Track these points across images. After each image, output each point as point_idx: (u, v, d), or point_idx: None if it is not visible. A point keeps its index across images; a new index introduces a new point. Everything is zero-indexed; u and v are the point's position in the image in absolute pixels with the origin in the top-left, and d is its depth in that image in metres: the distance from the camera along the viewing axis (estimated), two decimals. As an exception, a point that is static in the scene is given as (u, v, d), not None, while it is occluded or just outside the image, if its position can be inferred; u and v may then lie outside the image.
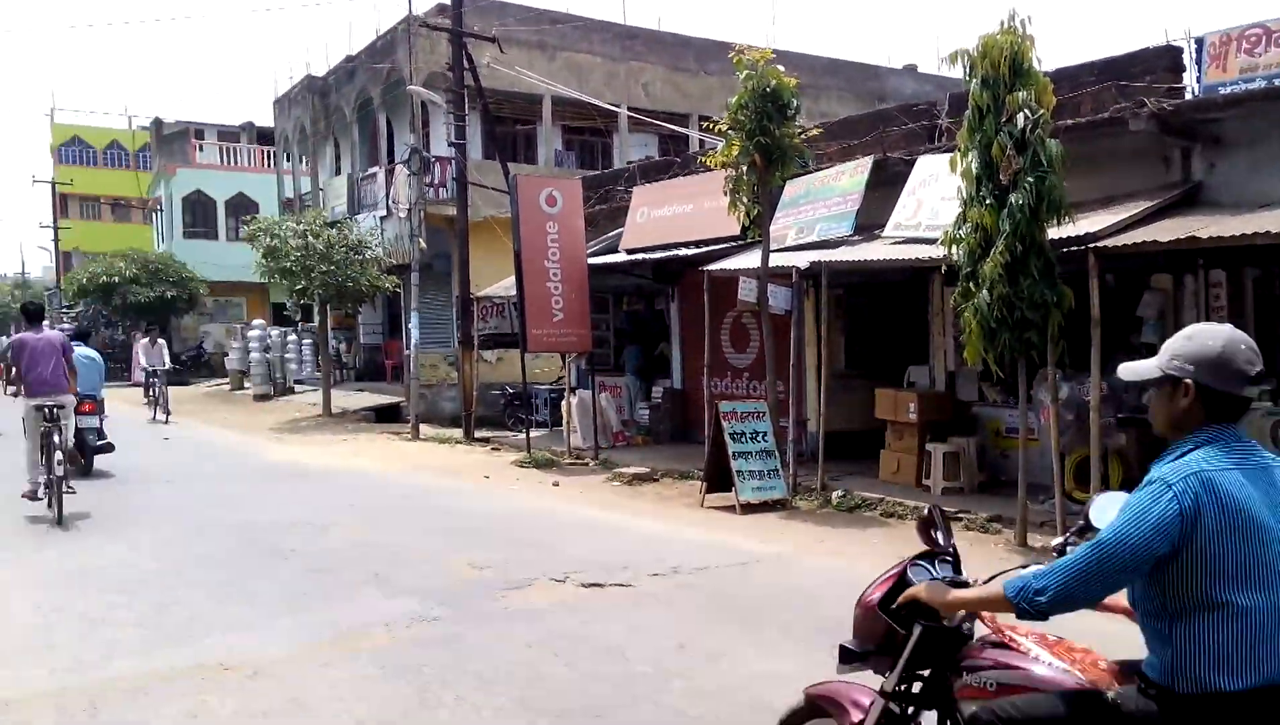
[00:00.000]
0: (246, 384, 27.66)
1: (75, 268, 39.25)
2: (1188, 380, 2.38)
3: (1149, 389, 2.52)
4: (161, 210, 40.95)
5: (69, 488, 10.01)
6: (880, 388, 12.01)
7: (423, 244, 18.64)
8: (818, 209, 12.05)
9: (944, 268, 9.24)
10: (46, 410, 9.99)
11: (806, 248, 11.69)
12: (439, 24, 18.32)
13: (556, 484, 12.76)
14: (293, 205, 29.14)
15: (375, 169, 23.96)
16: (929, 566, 2.89)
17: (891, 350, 13.05)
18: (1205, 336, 2.41)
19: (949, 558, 2.92)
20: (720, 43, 25.37)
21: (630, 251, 15.21)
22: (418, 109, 21.06)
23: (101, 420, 13.18)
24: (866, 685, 3.00)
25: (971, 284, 8.42)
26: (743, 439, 10.91)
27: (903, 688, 2.86)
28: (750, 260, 11.87)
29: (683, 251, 13.72)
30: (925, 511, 3.04)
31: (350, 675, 5.46)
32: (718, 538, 9.26)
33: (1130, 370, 2.52)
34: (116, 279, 31.82)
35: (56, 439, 9.86)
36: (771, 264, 11.27)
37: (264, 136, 40.16)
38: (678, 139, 23.80)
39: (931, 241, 9.59)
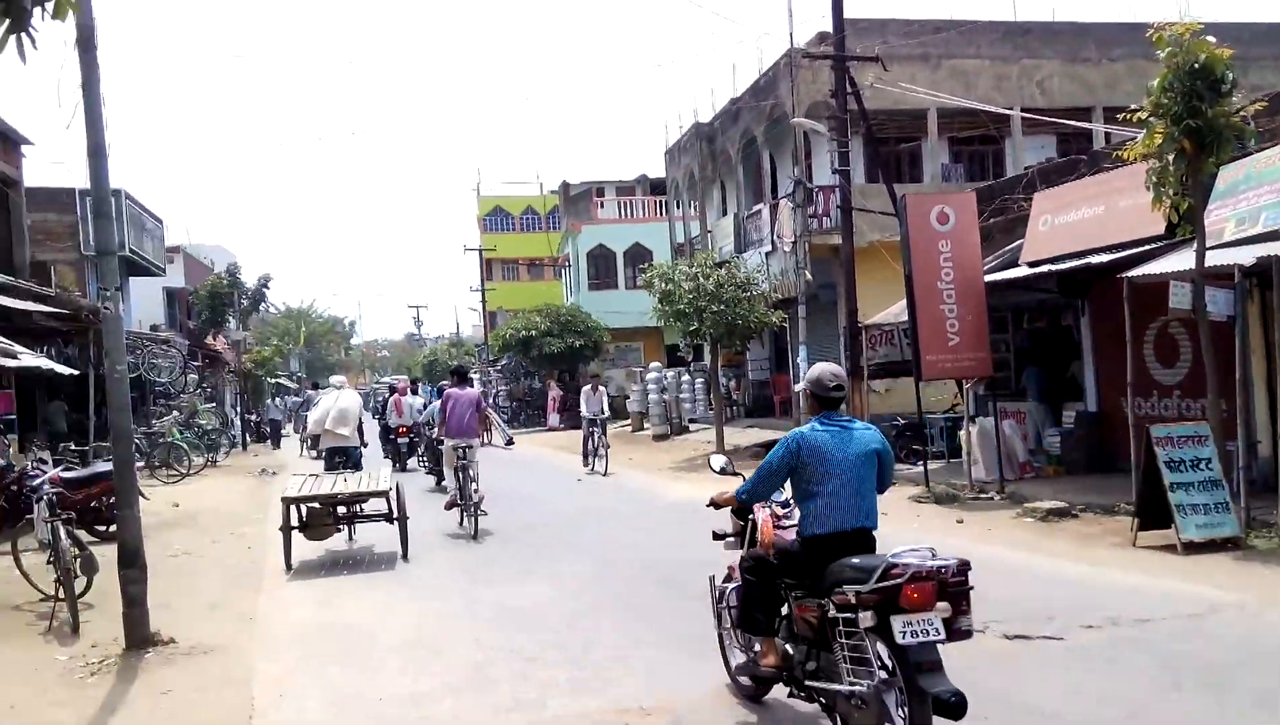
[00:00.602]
0: (646, 425, 29.04)
1: (499, 325, 43.68)
2: (807, 389, 5.21)
3: None
4: (570, 266, 44.57)
5: (483, 511, 12.21)
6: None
7: (808, 275, 18.52)
8: (1263, 195, 10.32)
9: None
10: (460, 449, 12.49)
11: (1250, 242, 10.04)
12: (820, 52, 18.24)
13: (960, 521, 11.90)
14: (684, 250, 30.36)
15: (760, 206, 24.31)
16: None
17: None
18: (813, 369, 5.24)
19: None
20: (1125, 25, 22.90)
21: (1032, 264, 14.00)
22: (800, 141, 21.09)
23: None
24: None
25: None
26: (1181, 468, 9.51)
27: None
28: (1180, 261, 10.40)
29: (1096, 258, 12.36)
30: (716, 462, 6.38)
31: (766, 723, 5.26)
32: (1158, 583, 8.08)
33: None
34: (533, 332, 34.88)
35: (471, 472, 12.32)
36: (1208, 263, 9.80)
37: (656, 187, 42.50)
38: (1080, 136, 21.80)
39: None
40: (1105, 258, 12.10)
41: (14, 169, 25.27)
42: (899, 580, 4.28)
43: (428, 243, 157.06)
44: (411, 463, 20.91)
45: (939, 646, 4.32)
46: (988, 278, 13.93)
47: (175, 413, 25.19)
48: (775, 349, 27.11)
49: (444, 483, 14.47)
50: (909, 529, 11.57)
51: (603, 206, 43.76)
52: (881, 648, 4.37)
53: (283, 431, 33.02)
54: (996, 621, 6.91)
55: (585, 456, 19.69)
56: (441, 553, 11.23)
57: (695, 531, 11.70)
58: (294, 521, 10.69)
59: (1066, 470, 14.40)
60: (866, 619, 4.33)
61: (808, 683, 4.93)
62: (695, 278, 20.95)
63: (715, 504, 5.73)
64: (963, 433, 14.74)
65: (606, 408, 20.16)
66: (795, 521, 5.14)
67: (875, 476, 5.03)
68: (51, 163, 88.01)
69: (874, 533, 4.96)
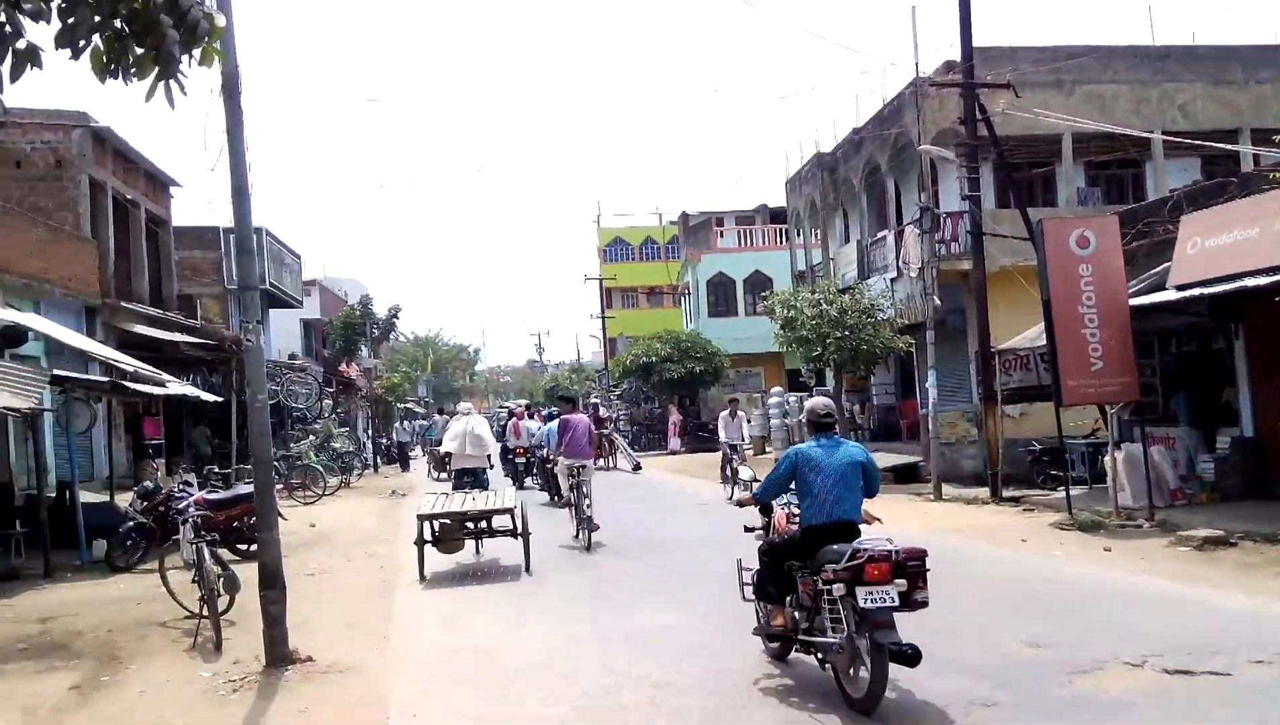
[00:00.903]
0: (768, 448, 28.86)
1: (619, 351, 44.02)
2: (806, 418, 7.01)
3: None
4: (689, 294, 44.67)
5: (595, 525, 13.13)
6: None
7: (937, 300, 18.01)
8: None
9: None
10: (575, 469, 13.61)
11: None
12: (949, 80, 17.84)
13: (1108, 549, 11.33)
14: (805, 277, 30.05)
15: (884, 232, 23.87)
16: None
17: None
18: (809, 402, 7.01)
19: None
20: (1272, 47, 22.42)
21: (1181, 287, 13.28)
22: (926, 168, 20.63)
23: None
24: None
25: None
26: (1355, 500, 8.83)
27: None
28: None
29: (1252, 281, 11.64)
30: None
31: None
32: (1334, 619, 7.47)
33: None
34: (653, 358, 35.01)
35: (585, 489, 13.36)
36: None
37: (776, 216, 42.28)
38: (1226, 159, 20.83)
39: None
40: (1263, 281, 11.39)
41: (163, 209, 26.75)
42: (862, 561, 5.81)
43: (549, 272, 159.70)
44: (528, 482, 21.69)
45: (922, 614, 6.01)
46: (1133, 302, 13.30)
47: (311, 437, 26.09)
48: (901, 374, 26.50)
49: (557, 498, 16.32)
50: (1051, 557, 11.07)
51: (722, 236, 43.76)
52: (850, 611, 5.88)
53: (410, 454, 33.87)
54: (1154, 655, 6.52)
55: (725, 482, 19.02)
56: (561, 569, 11.68)
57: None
58: (428, 536, 11.39)
59: (1221, 497, 13.63)
60: (838, 589, 5.94)
61: (803, 638, 6.47)
62: (819, 304, 20.69)
63: (740, 504, 8.14)
64: (1106, 458, 14.15)
65: (746, 434, 19.66)
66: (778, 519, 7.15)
67: (860, 482, 6.48)
68: (203, 203, 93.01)
69: (858, 524, 6.41)
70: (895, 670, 5.76)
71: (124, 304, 22.01)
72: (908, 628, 7.60)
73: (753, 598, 7.29)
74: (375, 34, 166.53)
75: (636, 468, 24.60)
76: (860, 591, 5.74)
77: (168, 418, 23.40)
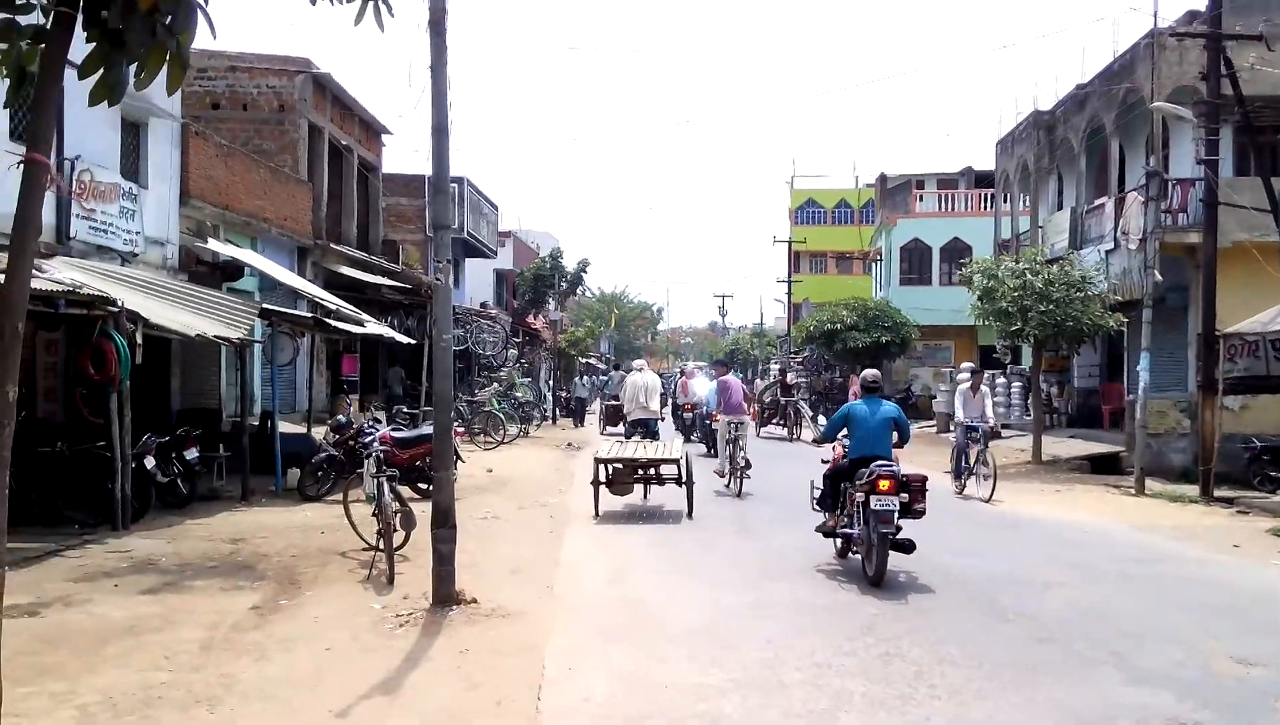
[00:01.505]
0: (952, 427, 27.53)
1: (804, 317, 43.14)
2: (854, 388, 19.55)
3: None
4: (881, 260, 43.19)
5: (748, 475, 14.64)
6: None
7: (1158, 276, 16.52)
8: None
9: None
10: (732, 425, 15.19)
11: None
12: (1193, 31, 16.20)
13: (1337, 564, 10.12)
14: (1009, 246, 28.39)
15: (1103, 199, 22.15)
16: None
17: None
18: (863, 373, 10.76)
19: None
20: None
21: None
22: (1157, 129, 18.93)
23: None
24: None
25: None
26: None
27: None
28: None
29: None
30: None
31: None
32: None
33: None
34: (838, 326, 34.02)
35: (741, 443, 14.96)
36: None
37: (981, 180, 40.12)
38: None
39: None
40: None
41: (375, 156, 27.91)
42: (873, 478, 8.47)
43: (738, 233, 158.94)
44: (693, 437, 22.23)
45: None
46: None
47: (495, 384, 26.80)
48: (1108, 355, 24.70)
49: (714, 451, 17.82)
50: (1269, 566, 9.99)
51: (921, 200, 41.89)
52: (866, 511, 8.50)
53: (589, 410, 34.34)
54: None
55: (957, 473, 15.76)
56: (718, 513, 12.92)
57: (1010, 544, 10.77)
58: (603, 478, 12.44)
59: None
60: (859, 497, 8.67)
61: (841, 530, 9.23)
62: (1023, 274, 19.42)
63: (817, 442, 12.37)
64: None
65: (991, 414, 15.61)
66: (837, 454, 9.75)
67: (891, 432, 9.29)
68: (411, 150, 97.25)
69: (888, 459, 8.88)
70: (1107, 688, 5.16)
71: (333, 246, 23.13)
72: (1099, 630, 6.98)
73: (817, 508, 9.94)
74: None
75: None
76: (873, 499, 8.42)
77: (366, 357, 24.58)
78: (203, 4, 4.03)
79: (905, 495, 8.56)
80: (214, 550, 9.64)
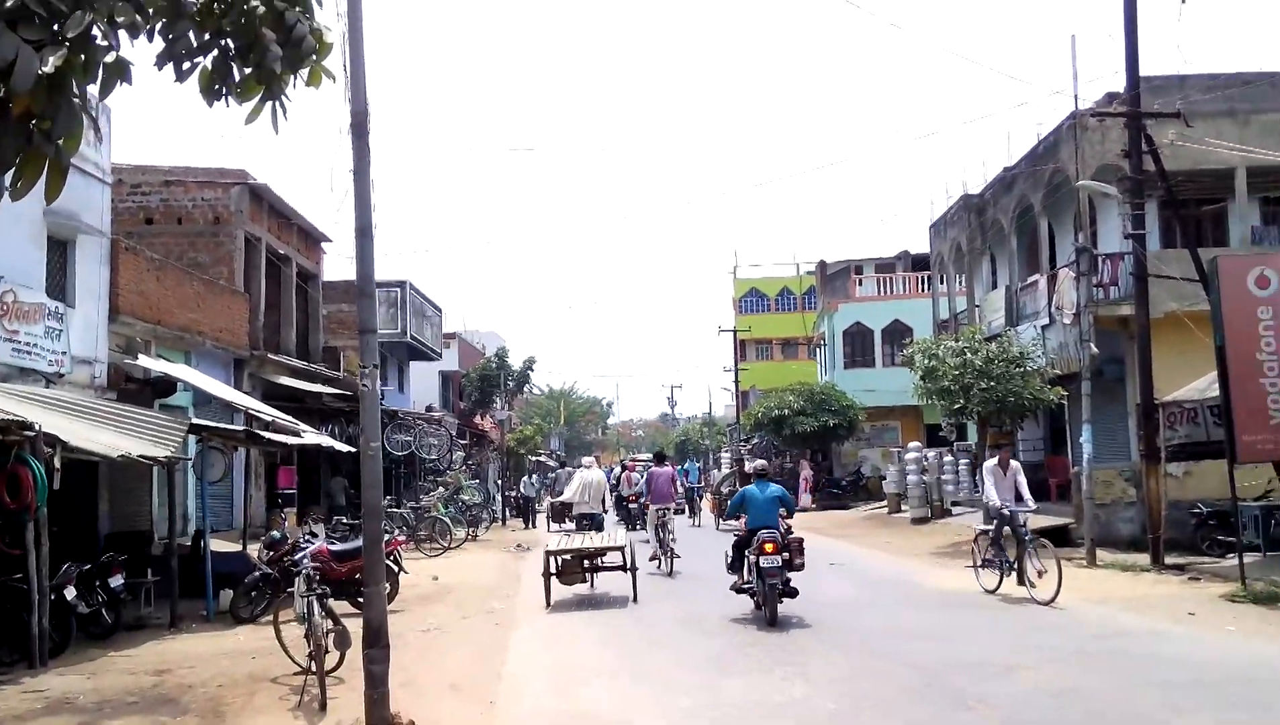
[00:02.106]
0: (904, 507, 27.59)
1: (752, 404, 43.23)
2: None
3: None
4: (824, 344, 43.63)
5: (677, 554, 16.66)
6: None
7: (1094, 349, 16.75)
8: None
9: None
10: (660, 512, 17.22)
11: None
12: (1114, 111, 16.73)
13: (1289, 628, 10.04)
14: (948, 325, 28.81)
15: (1035, 277, 22.61)
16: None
17: None
18: (751, 463, 19.74)
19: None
20: None
21: (1378, 333, 11.90)
22: (1084, 207, 19.43)
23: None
24: None
25: None
26: None
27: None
28: None
29: None
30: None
31: None
32: None
33: None
34: (786, 411, 34.14)
35: (669, 527, 16.95)
36: None
37: (917, 263, 40.96)
38: None
39: None
40: None
41: (314, 264, 27.73)
42: (761, 543, 11.01)
43: (684, 325, 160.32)
44: (637, 525, 22.40)
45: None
46: (1320, 348, 11.95)
47: (441, 488, 26.27)
48: (1051, 428, 24.94)
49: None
50: (1225, 633, 9.87)
51: (861, 284, 42.61)
52: (757, 570, 11.11)
53: (537, 508, 33.68)
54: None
55: (991, 564, 12.97)
56: (658, 598, 13.75)
57: (966, 626, 10.53)
58: (553, 569, 13.25)
59: None
60: (752, 558, 11.24)
61: (744, 586, 11.59)
62: (963, 352, 19.63)
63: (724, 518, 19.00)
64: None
65: (1027, 495, 12.90)
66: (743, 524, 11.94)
67: (779, 507, 11.67)
68: (347, 258, 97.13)
69: (777, 529, 11.38)
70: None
71: (271, 356, 22.73)
72: (1066, 713, 6.75)
73: (730, 571, 12.04)
74: (512, 85, 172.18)
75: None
76: (762, 559, 10.96)
77: (307, 468, 23.97)
78: (90, 111, 3.85)
79: (787, 554, 11.09)
80: (136, 684, 9.07)
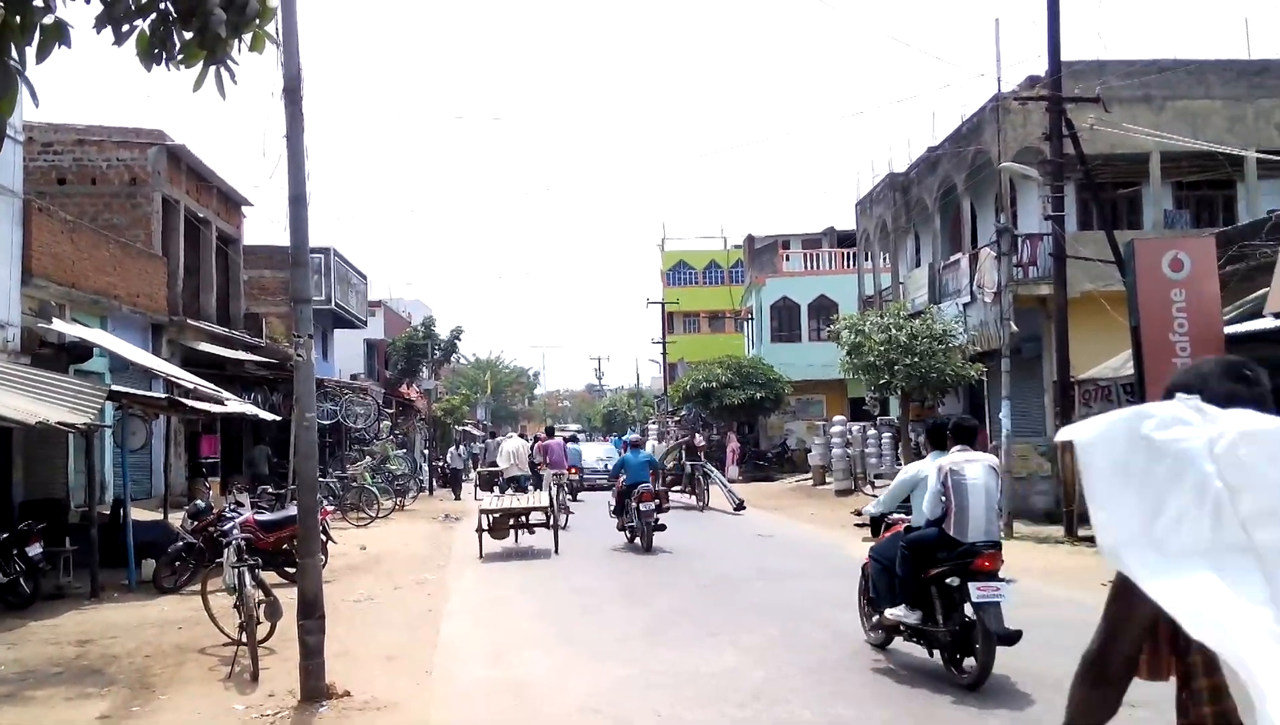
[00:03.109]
0: (828, 479, 28.10)
1: (679, 376, 43.51)
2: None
3: None
4: (752, 318, 44.08)
5: (570, 510, 19.99)
6: None
7: (1013, 327, 17.23)
8: None
9: None
10: (555, 475, 20.01)
11: None
12: (1035, 94, 17.15)
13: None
14: (873, 302, 29.34)
15: (958, 256, 23.14)
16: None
17: None
18: (628, 435, 23.89)
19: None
20: None
21: (1281, 315, 12.47)
22: (1005, 188, 19.91)
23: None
24: None
25: None
26: None
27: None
28: None
29: (1363, 309, 10.85)
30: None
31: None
32: None
33: None
34: (714, 384, 34.44)
35: (558, 492, 18.47)
36: None
37: (843, 240, 41.56)
38: (1326, 180, 19.84)
39: None
40: (1377, 306, 10.56)
41: (235, 228, 27.02)
42: (640, 493, 15.13)
43: (611, 296, 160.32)
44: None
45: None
46: (1229, 330, 12.48)
47: (368, 458, 25.98)
48: (970, 403, 25.62)
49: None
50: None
51: (788, 259, 43.09)
52: (638, 512, 15.26)
53: (465, 479, 33.50)
54: None
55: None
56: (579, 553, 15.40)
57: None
58: (485, 525, 15.00)
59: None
60: (633, 504, 15.35)
61: (629, 526, 15.73)
62: (887, 329, 20.05)
63: (611, 479, 17.90)
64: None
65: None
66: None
67: (648, 468, 15.94)
68: (269, 222, 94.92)
69: (645, 482, 15.46)
70: None
71: (190, 321, 22.14)
72: (988, 681, 7.00)
73: (613, 516, 16.20)
74: (441, 47, 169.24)
75: (739, 506, 21.96)
76: (641, 504, 14.99)
77: (229, 436, 23.50)
78: (21, 70, 3.72)
79: (657, 500, 15.07)
80: (59, 654, 8.87)
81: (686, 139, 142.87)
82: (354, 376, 36.90)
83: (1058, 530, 16.06)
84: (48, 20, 3.73)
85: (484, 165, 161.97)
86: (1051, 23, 16.15)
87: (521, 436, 27.46)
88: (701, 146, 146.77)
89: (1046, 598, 10.74)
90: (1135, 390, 13.08)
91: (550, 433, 23.56)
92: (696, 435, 30.09)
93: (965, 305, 21.74)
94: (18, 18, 3.58)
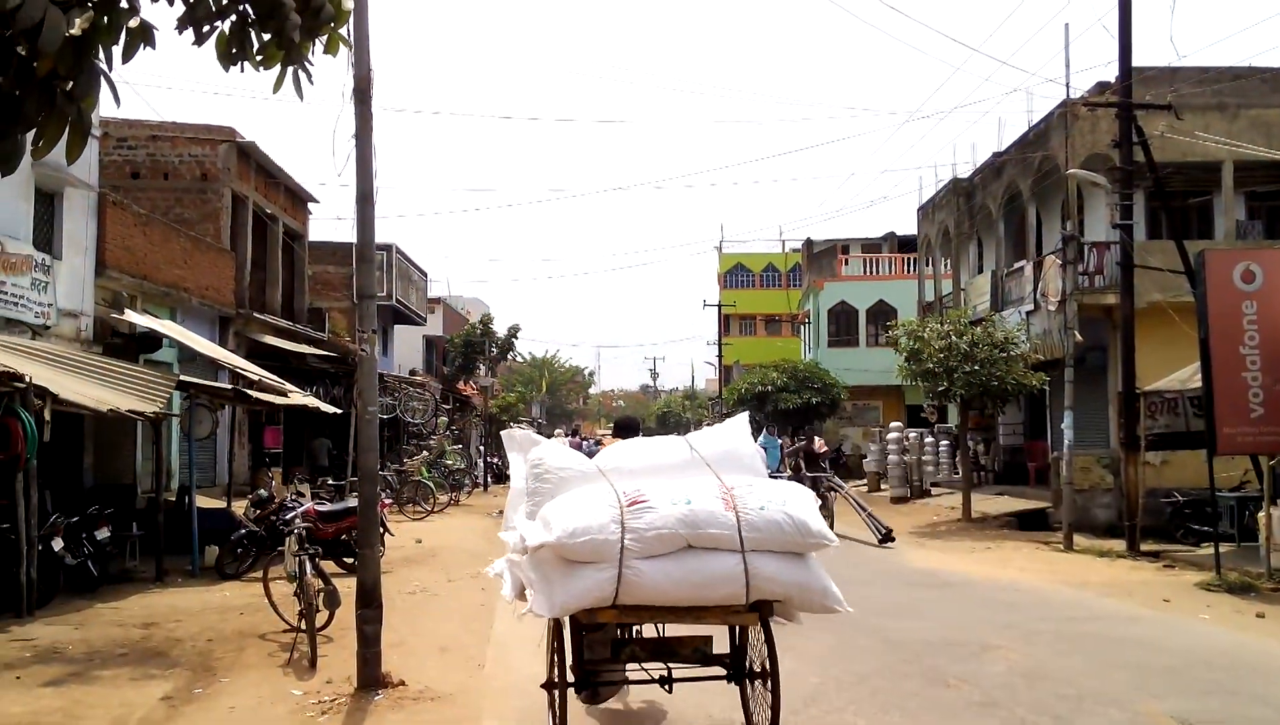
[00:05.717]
0: (883, 485, 27.90)
1: (734, 379, 43.38)
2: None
3: None
4: (809, 322, 43.79)
5: None
6: None
7: (1078, 336, 16.93)
8: None
9: None
10: None
11: None
12: (1104, 100, 16.84)
13: (1260, 616, 10.31)
14: (933, 308, 28.99)
15: (1022, 263, 22.78)
16: None
17: None
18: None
19: None
20: None
21: (1359, 330, 12.10)
22: (1072, 195, 19.57)
23: None
24: None
25: None
26: None
27: None
28: None
29: None
30: None
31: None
32: None
33: None
34: (769, 388, 34.28)
35: None
36: None
37: (904, 245, 41.14)
38: None
39: None
40: None
41: (300, 224, 27.56)
42: None
43: (668, 297, 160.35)
44: None
45: None
46: (1302, 343, 12.14)
47: (425, 452, 26.31)
48: (1031, 413, 25.20)
49: None
50: (1198, 620, 10.09)
51: (847, 263, 42.74)
52: None
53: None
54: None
55: None
56: None
57: (945, 605, 10.73)
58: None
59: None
60: None
61: None
62: (947, 336, 19.79)
63: None
64: (1260, 514, 12.92)
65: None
66: None
67: None
68: (335, 219, 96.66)
69: None
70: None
71: (256, 315, 22.64)
72: (1040, 693, 6.90)
73: None
74: (511, 53, 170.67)
75: (886, 538, 16.97)
76: None
77: (291, 428, 23.96)
78: (106, 70, 3.85)
79: None
80: (124, 636, 9.14)
81: (748, 142, 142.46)
82: (413, 372, 37.41)
83: (1119, 544, 15.75)
84: (133, 23, 3.85)
85: (549, 166, 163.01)
86: (1123, 28, 15.85)
87: (573, 435, 27.31)
88: (762, 150, 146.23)
89: (1099, 611, 10.56)
90: (1203, 403, 12.76)
91: (575, 433, 22.53)
92: (816, 438, 24.15)
93: (1028, 313, 21.39)
94: (105, 19, 3.69)
